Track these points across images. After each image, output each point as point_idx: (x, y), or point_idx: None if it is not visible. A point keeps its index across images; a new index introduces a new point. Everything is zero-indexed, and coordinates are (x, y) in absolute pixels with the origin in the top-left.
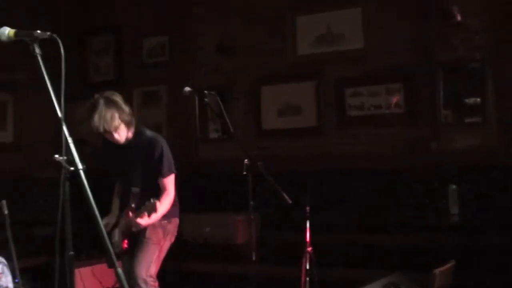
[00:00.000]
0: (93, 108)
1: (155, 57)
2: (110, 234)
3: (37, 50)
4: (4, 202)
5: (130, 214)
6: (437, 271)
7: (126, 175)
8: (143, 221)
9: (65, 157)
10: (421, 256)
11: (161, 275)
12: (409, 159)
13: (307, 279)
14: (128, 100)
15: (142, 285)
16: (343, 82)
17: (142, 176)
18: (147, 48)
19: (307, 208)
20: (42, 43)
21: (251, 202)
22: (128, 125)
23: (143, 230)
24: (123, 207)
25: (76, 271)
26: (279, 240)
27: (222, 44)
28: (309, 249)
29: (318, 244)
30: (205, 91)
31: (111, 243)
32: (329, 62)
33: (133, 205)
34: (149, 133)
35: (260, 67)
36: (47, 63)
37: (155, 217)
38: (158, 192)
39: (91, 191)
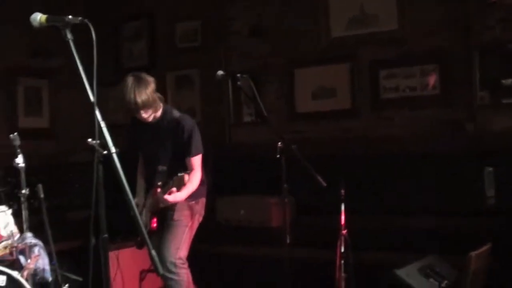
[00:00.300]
0: (124, 85)
1: (188, 42)
2: (140, 213)
3: (69, 36)
4: (40, 186)
5: (158, 190)
6: (473, 254)
7: (153, 155)
8: (171, 197)
9: (98, 141)
10: (456, 239)
11: (194, 258)
12: (444, 142)
13: (342, 262)
14: (161, 85)
15: (171, 267)
16: (377, 64)
17: (170, 156)
18: (179, 33)
19: (342, 191)
20: (77, 29)
21: (285, 185)
22: (156, 104)
23: (171, 212)
24: (149, 187)
25: (112, 253)
26: (314, 223)
27: (254, 28)
28: (344, 232)
29: (353, 227)
30: (238, 75)
31: (144, 224)
32: (363, 44)
33: (159, 183)
34: (177, 113)
35: (293, 50)
36: (82, 48)
37: (184, 193)
38: (184, 171)
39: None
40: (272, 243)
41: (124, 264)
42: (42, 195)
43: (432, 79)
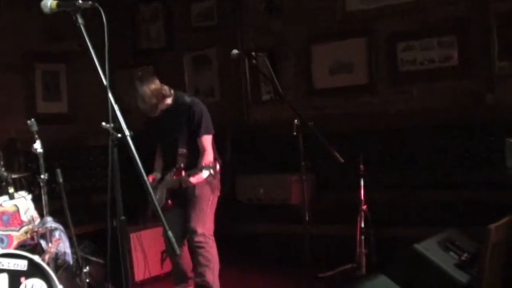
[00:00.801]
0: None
1: (204, 21)
2: (155, 189)
3: (80, 20)
4: (58, 170)
5: (183, 173)
6: (492, 226)
7: (172, 140)
8: (194, 179)
9: (112, 125)
10: (477, 212)
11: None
12: (463, 113)
13: (362, 237)
14: (179, 65)
15: (200, 239)
16: (394, 37)
17: (186, 138)
18: (195, 12)
19: (361, 167)
20: (95, 12)
21: (303, 163)
22: (163, 97)
23: (191, 189)
24: (168, 167)
25: (133, 235)
26: (334, 199)
27: (270, 5)
28: (364, 207)
29: (374, 202)
30: (253, 53)
31: (157, 198)
32: (379, 17)
33: (182, 165)
34: (188, 98)
35: (309, 26)
36: (99, 31)
37: (204, 174)
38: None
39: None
40: (292, 220)
41: (145, 245)
42: (61, 180)
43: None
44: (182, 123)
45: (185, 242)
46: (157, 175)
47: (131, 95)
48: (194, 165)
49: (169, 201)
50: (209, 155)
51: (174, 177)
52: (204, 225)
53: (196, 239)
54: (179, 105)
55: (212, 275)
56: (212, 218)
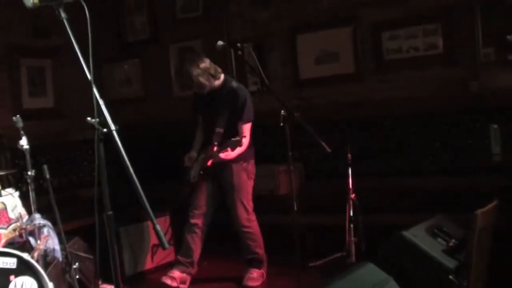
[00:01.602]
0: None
1: (189, 12)
2: (191, 167)
3: (63, 15)
4: (45, 166)
5: (215, 148)
6: (479, 211)
7: (212, 118)
8: (223, 154)
9: (97, 119)
10: (464, 198)
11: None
12: (449, 101)
13: (351, 226)
14: (164, 57)
15: (246, 222)
16: (380, 25)
17: (226, 120)
18: (180, 4)
19: (349, 156)
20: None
21: (290, 153)
22: (212, 77)
23: (229, 177)
24: (207, 145)
25: (122, 229)
26: (323, 188)
27: None
28: (353, 196)
29: (362, 191)
30: (238, 44)
31: (192, 176)
32: (363, 6)
33: (216, 143)
34: (235, 83)
35: (295, 15)
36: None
37: (234, 153)
38: (236, 135)
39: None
40: (280, 210)
41: (134, 240)
42: (47, 176)
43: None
44: (225, 105)
45: (203, 230)
46: (193, 153)
47: (185, 72)
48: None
49: (202, 173)
50: (245, 140)
51: (206, 153)
52: (247, 210)
53: (244, 224)
54: (226, 88)
55: (261, 248)
56: (251, 197)
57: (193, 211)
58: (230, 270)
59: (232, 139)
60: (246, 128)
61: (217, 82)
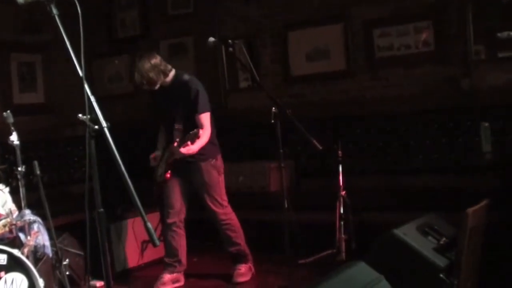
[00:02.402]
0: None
1: (180, 9)
2: (157, 167)
3: (54, 11)
4: (35, 162)
5: (175, 144)
6: (470, 210)
7: (170, 115)
8: (184, 149)
9: (88, 116)
10: (455, 197)
11: (194, 224)
12: (440, 99)
13: (342, 223)
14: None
15: (223, 216)
16: (371, 23)
17: (183, 115)
18: (171, 0)
19: (339, 153)
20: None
21: (281, 150)
22: (163, 73)
23: (200, 176)
24: (170, 143)
25: (112, 226)
26: (314, 186)
27: None
28: (343, 193)
29: (353, 188)
30: (230, 41)
31: (158, 175)
32: (355, 3)
33: (177, 139)
34: (187, 76)
35: (286, 12)
36: (74, 21)
37: (195, 146)
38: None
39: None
40: (271, 207)
41: (124, 236)
42: (38, 172)
43: (425, 35)
44: (179, 100)
45: (181, 226)
46: (158, 153)
47: (136, 69)
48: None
49: (167, 174)
50: (207, 131)
51: (169, 151)
52: (222, 204)
53: (220, 218)
54: (178, 82)
55: (242, 239)
56: (224, 191)
57: (168, 210)
58: (220, 266)
59: (190, 132)
60: (204, 119)
61: (168, 79)
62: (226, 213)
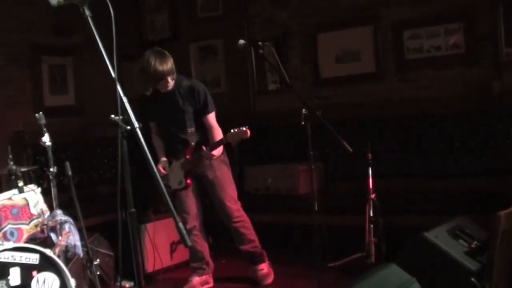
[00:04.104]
0: (146, 59)
1: (209, 11)
2: (167, 176)
3: (87, 12)
4: (67, 163)
5: (204, 148)
6: (502, 213)
7: (178, 120)
8: (216, 151)
9: (121, 117)
10: (485, 199)
11: (223, 227)
12: (470, 101)
13: (371, 226)
14: (184, 56)
15: (237, 213)
16: (401, 24)
17: (193, 118)
18: (200, 2)
19: (369, 155)
20: (99, 4)
21: (311, 152)
22: (175, 73)
23: (212, 172)
24: (173, 150)
25: (143, 226)
26: (343, 188)
27: None
28: (373, 196)
29: (383, 191)
30: (260, 43)
31: (173, 183)
32: (385, 5)
33: (192, 143)
34: (188, 80)
35: (315, 14)
36: (104, 24)
37: (220, 149)
38: (205, 130)
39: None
40: (300, 210)
41: (155, 237)
42: (70, 173)
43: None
44: (186, 104)
45: (201, 229)
46: (165, 163)
47: (151, 69)
48: (203, 142)
49: (188, 181)
50: (218, 130)
51: (188, 157)
52: (235, 200)
53: (235, 215)
54: (182, 87)
55: (255, 237)
56: (235, 187)
57: (185, 216)
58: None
59: (216, 140)
60: (213, 118)
61: (172, 83)
62: (239, 209)
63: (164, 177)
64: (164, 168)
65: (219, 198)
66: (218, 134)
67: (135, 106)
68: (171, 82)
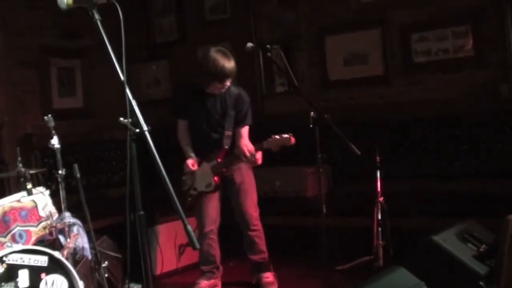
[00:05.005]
0: (212, 56)
1: (217, 14)
2: (194, 175)
3: (96, 16)
4: (75, 166)
5: (253, 149)
6: (510, 216)
7: (217, 122)
8: (259, 155)
9: (130, 119)
10: (494, 203)
11: (232, 230)
12: (478, 104)
13: (379, 229)
14: (192, 59)
15: (256, 221)
16: (409, 27)
17: (232, 122)
18: (208, 5)
19: (377, 158)
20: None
21: (319, 155)
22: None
23: (240, 177)
24: (201, 150)
25: (150, 229)
26: (351, 191)
27: None
28: (381, 199)
29: (390, 193)
30: (268, 46)
31: (200, 185)
32: (392, 7)
33: (226, 147)
34: (236, 88)
35: (323, 17)
36: (112, 27)
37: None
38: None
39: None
40: (308, 213)
41: (162, 240)
42: (78, 175)
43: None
44: (230, 109)
45: (216, 231)
46: (194, 157)
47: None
48: (232, 147)
49: (217, 184)
50: (248, 143)
51: (219, 160)
52: (256, 207)
53: (253, 223)
54: (230, 93)
55: (265, 247)
56: (257, 196)
57: (205, 219)
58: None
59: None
60: (246, 131)
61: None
62: (258, 217)
63: (189, 177)
64: (193, 165)
65: (242, 203)
66: (250, 145)
67: (144, 109)
68: (228, 85)
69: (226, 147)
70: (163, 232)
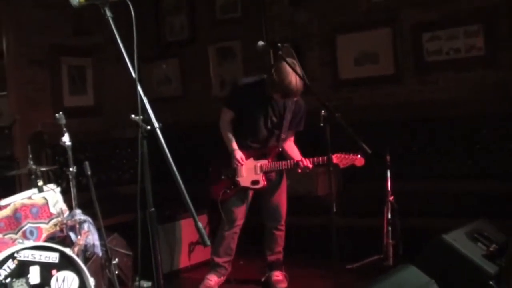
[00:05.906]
0: (288, 71)
1: (228, 13)
2: (239, 170)
3: (108, 13)
4: (86, 163)
5: (302, 162)
6: None
7: (273, 122)
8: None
9: (141, 117)
10: (505, 203)
11: (244, 229)
12: (490, 103)
13: (389, 228)
14: (203, 58)
15: (284, 222)
16: (420, 27)
17: (288, 127)
18: (219, 4)
19: (388, 157)
20: (118, 5)
21: (330, 154)
22: None
23: (281, 178)
24: (245, 145)
25: (160, 227)
26: (361, 190)
27: None
28: (391, 198)
29: (401, 193)
30: (279, 44)
31: (245, 181)
32: (404, 7)
33: (280, 149)
34: None
35: (334, 16)
36: (123, 24)
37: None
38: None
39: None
40: (319, 211)
41: (172, 237)
42: (89, 172)
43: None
44: (288, 113)
45: (240, 227)
46: (242, 155)
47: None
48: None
49: (265, 183)
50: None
51: (270, 160)
52: (286, 210)
53: (282, 222)
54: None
55: (282, 250)
56: None
57: (237, 214)
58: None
59: (295, 154)
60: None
61: None
62: (285, 220)
63: (231, 170)
64: (242, 159)
65: (278, 202)
66: (297, 150)
67: (156, 106)
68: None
69: (280, 149)
70: (173, 230)
